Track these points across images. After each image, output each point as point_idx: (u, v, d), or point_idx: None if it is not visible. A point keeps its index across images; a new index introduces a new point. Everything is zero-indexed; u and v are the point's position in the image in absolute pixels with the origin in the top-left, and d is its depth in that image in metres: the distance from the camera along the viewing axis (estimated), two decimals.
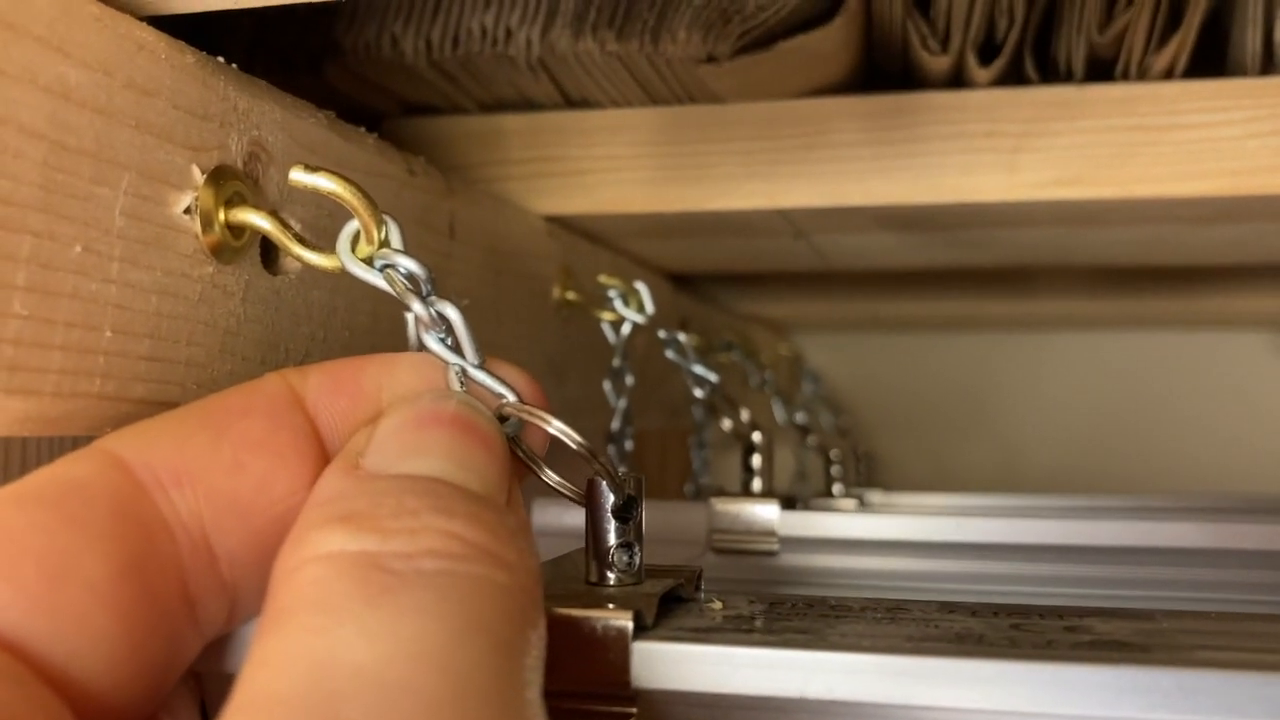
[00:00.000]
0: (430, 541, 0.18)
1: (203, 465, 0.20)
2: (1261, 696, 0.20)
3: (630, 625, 0.22)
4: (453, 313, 0.23)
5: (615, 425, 0.48)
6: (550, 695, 0.22)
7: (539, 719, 0.18)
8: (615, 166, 0.46)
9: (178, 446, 0.20)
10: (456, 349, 0.23)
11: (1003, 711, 0.21)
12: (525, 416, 0.24)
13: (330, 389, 0.22)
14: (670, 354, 0.47)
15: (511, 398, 0.24)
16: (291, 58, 0.43)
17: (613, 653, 0.22)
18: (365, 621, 0.17)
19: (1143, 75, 0.43)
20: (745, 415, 0.45)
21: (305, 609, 0.17)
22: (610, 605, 0.22)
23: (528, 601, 0.19)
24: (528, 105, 0.46)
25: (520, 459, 0.24)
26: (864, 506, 0.52)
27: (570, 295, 0.46)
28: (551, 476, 0.25)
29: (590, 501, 0.25)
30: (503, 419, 0.24)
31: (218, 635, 0.21)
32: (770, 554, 0.40)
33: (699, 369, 0.47)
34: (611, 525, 0.24)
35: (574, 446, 0.24)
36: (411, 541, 0.18)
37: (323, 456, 0.22)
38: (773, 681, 0.22)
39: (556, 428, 0.24)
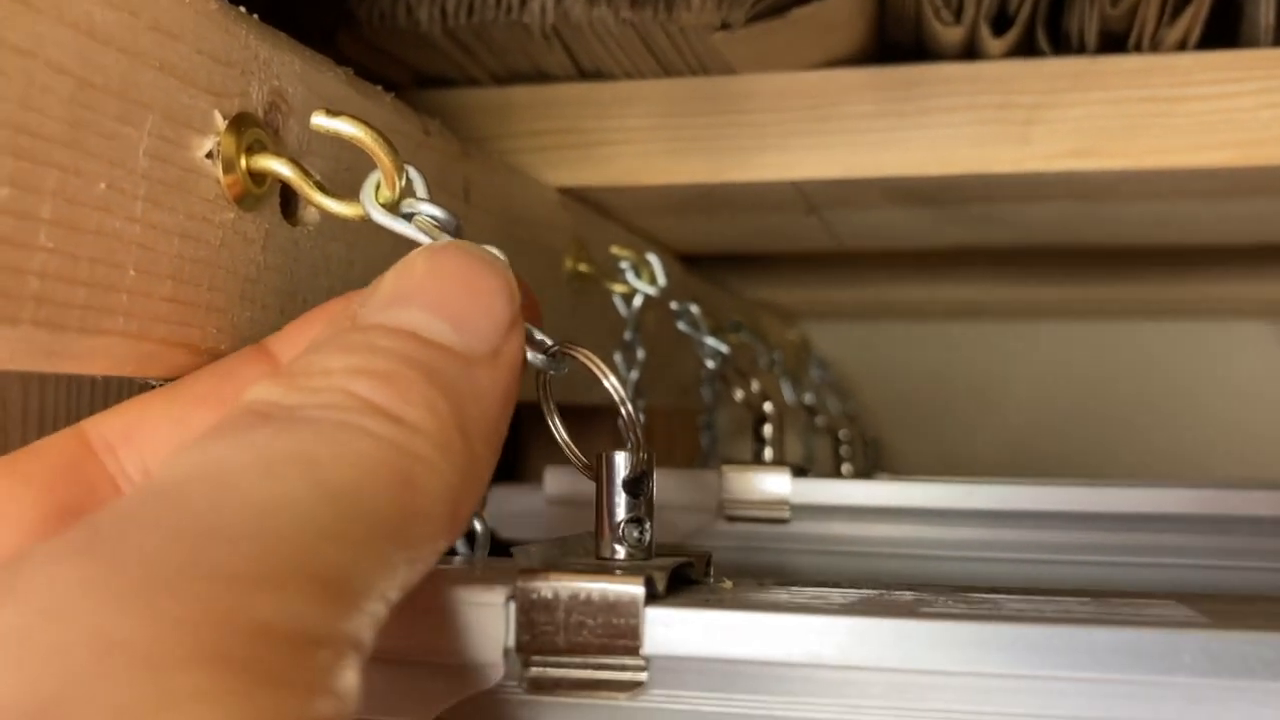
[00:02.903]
0: (325, 398, 0.19)
1: (150, 424, 0.23)
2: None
3: (642, 591, 0.22)
4: (496, 251, 0.23)
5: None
6: (563, 662, 0.22)
7: (368, 574, 0.17)
8: (628, 139, 0.46)
9: (133, 413, 0.23)
10: None
11: (1020, 675, 0.21)
12: (582, 359, 0.24)
13: (298, 329, 0.24)
14: (682, 325, 0.47)
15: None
16: (306, 27, 0.43)
17: (624, 619, 0.22)
18: (226, 439, 0.17)
19: (1156, 47, 0.43)
20: (756, 386, 0.45)
21: (195, 437, 0.18)
22: (620, 573, 0.22)
23: (418, 465, 0.18)
24: (541, 77, 0.46)
25: (543, 406, 0.24)
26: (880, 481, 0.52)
27: (582, 267, 0.46)
28: (562, 432, 0.25)
29: (601, 475, 0.25)
30: (553, 355, 0.24)
31: None
32: (782, 522, 0.40)
33: (711, 341, 0.47)
34: (622, 499, 0.24)
35: (622, 410, 0.24)
36: (308, 396, 0.19)
37: None
38: (784, 645, 0.22)
39: (611, 383, 0.24)
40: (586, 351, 0.23)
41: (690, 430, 0.65)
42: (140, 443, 0.23)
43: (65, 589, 0.14)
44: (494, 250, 0.23)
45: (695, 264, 0.72)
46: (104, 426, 0.23)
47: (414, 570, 0.18)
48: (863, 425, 0.90)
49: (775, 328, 0.93)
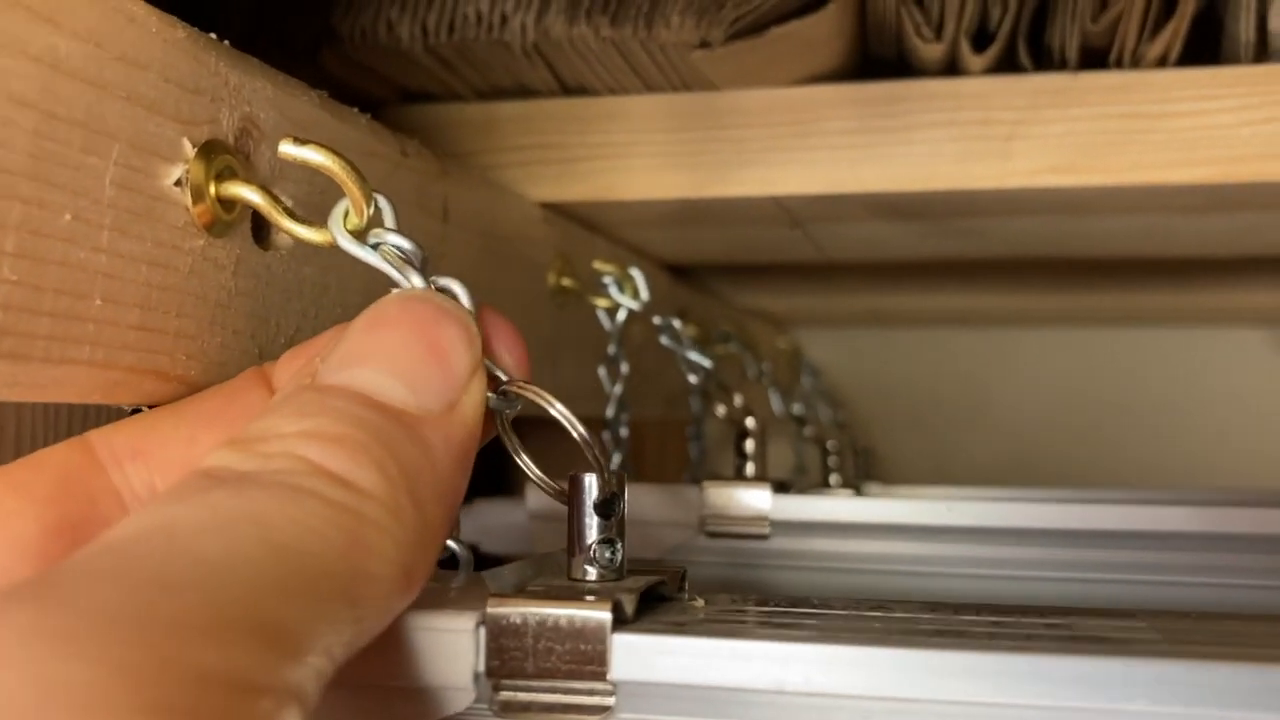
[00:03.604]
0: (278, 463, 0.19)
1: (160, 442, 0.23)
2: (1239, 687, 0.21)
3: (609, 617, 0.22)
4: (458, 287, 0.23)
5: (610, 412, 0.48)
6: (532, 686, 0.22)
7: (313, 631, 0.17)
8: (611, 154, 0.46)
9: (141, 429, 0.23)
10: None
11: (982, 703, 0.21)
12: (529, 395, 0.24)
13: (291, 358, 0.24)
14: (665, 340, 0.47)
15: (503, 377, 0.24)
16: (288, 45, 0.43)
17: (591, 644, 0.22)
18: (181, 500, 0.18)
19: (1136, 63, 0.43)
20: (739, 400, 0.45)
21: (151, 500, 0.19)
22: (589, 598, 0.22)
23: (368, 527, 0.19)
24: (524, 93, 0.47)
25: (505, 443, 0.24)
26: (860, 497, 0.52)
27: (566, 282, 0.47)
28: (530, 467, 0.25)
29: (572, 497, 0.25)
30: (503, 395, 0.24)
31: None
32: (762, 538, 0.40)
33: (693, 355, 0.47)
34: (594, 521, 0.24)
35: (575, 435, 0.24)
36: (262, 462, 0.19)
37: None
38: (750, 672, 0.22)
39: (559, 411, 0.24)
40: (534, 388, 0.23)
41: (682, 440, 0.66)
42: (149, 458, 0.23)
43: (10, 633, 0.14)
44: (457, 288, 0.23)
45: (684, 273, 0.72)
46: (112, 439, 0.23)
47: (362, 628, 0.18)
48: (854, 434, 0.90)
49: (766, 336, 0.93)
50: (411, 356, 0.21)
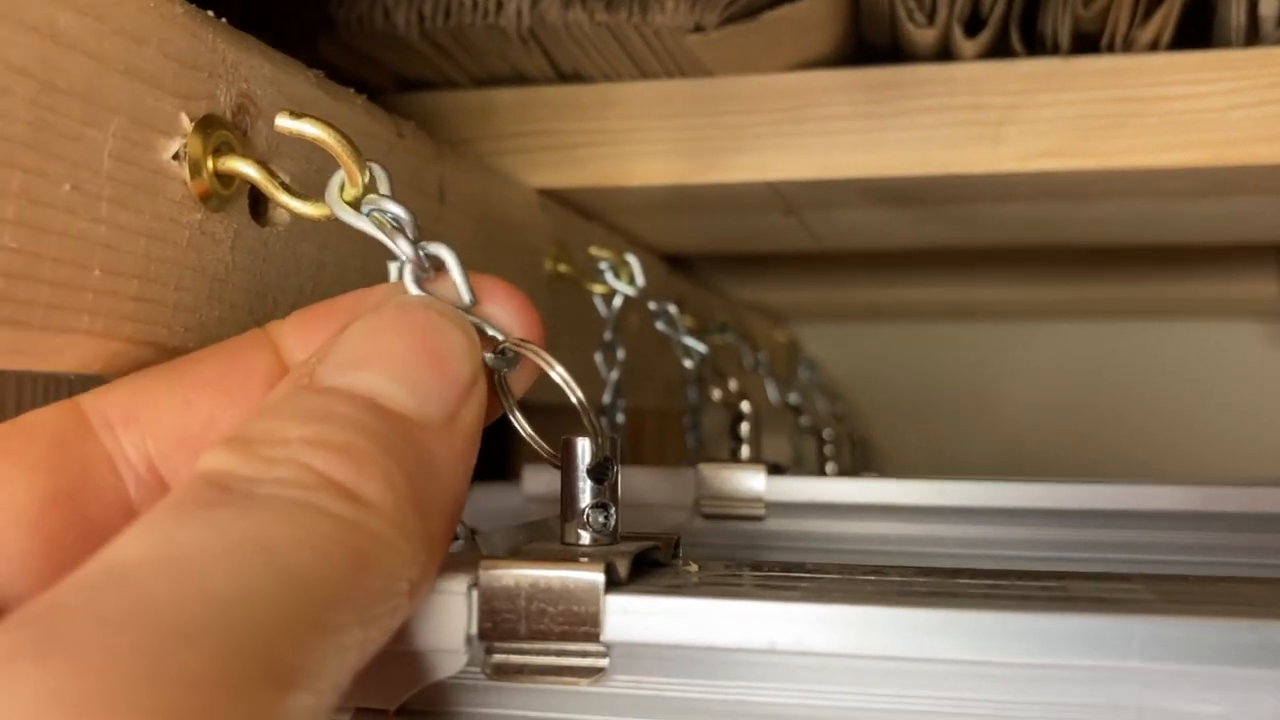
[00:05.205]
0: (283, 471, 0.18)
1: (154, 406, 0.22)
2: (1234, 643, 0.21)
3: (602, 579, 0.22)
4: (446, 253, 0.24)
5: (606, 398, 0.48)
6: (525, 648, 0.22)
7: (321, 662, 0.17)
8: (607, 140, 0.46)
9: (133, 392, 0.23)
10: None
11: (976, 661, 0.21)
12: (528, 354, 0.24)
13: (302, 323, 0.23)
14: (660, 325, 0.48)
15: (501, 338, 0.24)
16: (285, 32, 0.43)
17: (584, 606, 0.22)
18: (186, 520, 0.17)
19: (1128, 47, 0.43)
20: (734, 384, 0.46)
21: (154, 510, 0.18)
22: (583, 560, 0.23)
23: (375, 544, 0.18)
24: (520, 79, 0.47)
25: (499, 399, 0.24)
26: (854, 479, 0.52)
27: (562, 268, 0.47)
28: (523, 424, 0.25)
29: (566, 461, 0.25)
30: (502, 352, 0.24)
31: None
32: (757, 519, 0.41)
33: (689, 340, 0.47)
34: (587, 485, 0.25)
35: (573, 399, 0.24)
36: (265, 468, 0.18)
37: None
38: (743, 632, 0.22)
39: (559, 374, 0.24)
40: (533, 346, 0.24)
41: (681, 430, 0.66)
42: (143, 424, 0.22)
43: (21, 703, 0.13)
44: (445, 254, 0.23)
45: (683, 265, 0.72)
46: (103, 403, 0.22)
47: (368, 650, 0.18)
48: (851, 425, 0.90)
49: (764, 329, 0.93)
50: (414, 363, 0.21)
